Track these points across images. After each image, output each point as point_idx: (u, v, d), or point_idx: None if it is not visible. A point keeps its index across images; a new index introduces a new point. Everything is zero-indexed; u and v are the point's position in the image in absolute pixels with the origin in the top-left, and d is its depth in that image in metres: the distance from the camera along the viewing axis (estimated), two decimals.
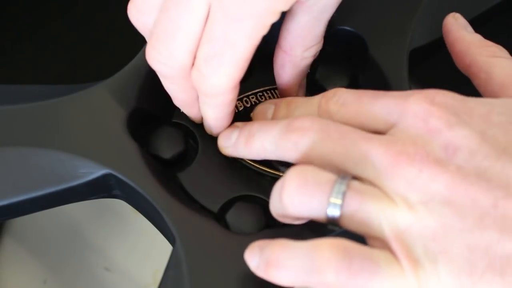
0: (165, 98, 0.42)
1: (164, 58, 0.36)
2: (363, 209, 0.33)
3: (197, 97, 0.39)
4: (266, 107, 0.41)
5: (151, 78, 0.41)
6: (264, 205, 0.40)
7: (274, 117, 0.40)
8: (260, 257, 0.34)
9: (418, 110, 0.33)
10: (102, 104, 0.41)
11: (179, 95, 0.39)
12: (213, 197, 0.40)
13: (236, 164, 0.41)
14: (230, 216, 0.39)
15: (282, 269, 0.33)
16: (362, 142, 0.33)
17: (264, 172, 0.41)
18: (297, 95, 0.42)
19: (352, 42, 0.44)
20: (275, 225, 0.40)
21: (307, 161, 0.35)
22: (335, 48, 0.44)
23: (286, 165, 0.38)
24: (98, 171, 0.39)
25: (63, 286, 0.66)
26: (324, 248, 0.32)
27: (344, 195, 0.33)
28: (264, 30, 0.35)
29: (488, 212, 0.31)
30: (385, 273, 0.32)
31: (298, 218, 0.35)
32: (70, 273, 0.66)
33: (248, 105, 0.43)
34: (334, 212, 0.33)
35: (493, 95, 0.37)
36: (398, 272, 0.32)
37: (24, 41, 0.63)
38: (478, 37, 0.40)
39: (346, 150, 0.34)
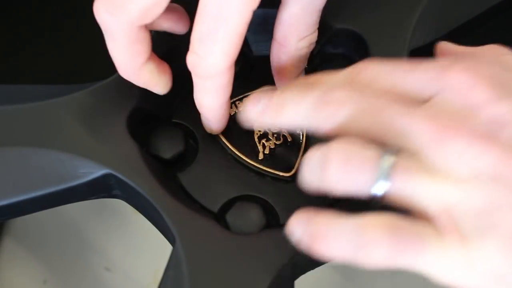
0: (165, 98, 0.42)
1: (112, 7, 0.36)
2: (408, 186, 0.32)
3: (142, 65, 0.39)
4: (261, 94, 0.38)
5: None
6: (264, 205, 0.40)
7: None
8: (306, 230, 0.33)
9: (461, 83, 0.32)
10: (102, 104, 0.41)
11: (121, 56, 0.38)
12: (213, 197, 0.40)
13: (236, 164, 0.41)
14: (230, 216, 0.40)
15: (328, 243, 0.32)
16: (403, 115, 0.32)
17: (264, 172, 0.41)
18: None
19: (352, 42, 0.44)
20: (275, 225, 0.40)
21: (344, 134, 0.34)
22: (335, 48, 0.44)
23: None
24: (98, 171, 0.40)
25: (63, 286, 0.66)
26: (373, 225, 0.32)
27: (390, 173, 0.32)
28: (255, 3, 0.35)
29: None
30: (433, 249, 0.31)
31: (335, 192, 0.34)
32: (70, 273, 0.66)
33: None
34: (379, 190, 0.32)
35: None
36: (446, 248, 0.31)
37: (24, 41, 0.63)
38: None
39: (385, 123, 0.33)
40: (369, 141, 0.33)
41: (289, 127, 0.38)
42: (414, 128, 0.32)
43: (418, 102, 0.33)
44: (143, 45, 0.38)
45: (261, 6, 0.43)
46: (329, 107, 0.34)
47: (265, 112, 0.37)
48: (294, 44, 0.40)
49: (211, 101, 0.39)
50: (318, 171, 0.33)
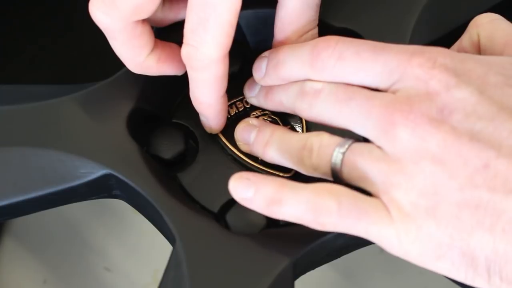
0: (165, 98, 0.42)
1: (104, 6, 0.37)
2: (358, 168, 0.35)
3: (146, 57, 0.39)
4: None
5: (151, 78, 0.41)
6: None
7: (267, 73, 0.40)
8: (258, 192, 0.36)
9: (420, 73, 0.34)
10: (102, 104, 0.41)
11: (123, 52, 0.39)
12: (213, 197, 0.40)
13: (236, 164, 0.41)
14: (230, 216, 0.39)
15: (284, 207, 0.36)
16: (365, 103, 0.35)
17: (264, 172, 0.41)
18: None
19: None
20: (275, 225, 0.40)
21: (319, 121, 0.37)
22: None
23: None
24: (98, 171, 0.39)
25: (63, 286, 0.66)
26: (323, 193, 0.35)
27: (343, 156, 0.35)
28: None
29: (479, 172, 0.32)
30: (373, 218, 0.34)
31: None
32: (70, 273, 0.66)
33: (248, 106, 0.43)
34: (336, 166, 0.36)
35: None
36: (387, 220, 0.34)
37: (24, 41, 0.63)
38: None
39: (351, 112, 0.36)
40: (339, 128, 0.37)
41: (278, 110, 0.40)
42: (372, 115, 0.35)
43: (381, 87, 0.36)
44: (143, 39, 0.38)
45: (260, 6, 0.43)
46: (307, 97, 0.37)
47: (258, 95, 0.41)
48: (295, 41, 0.40)
49: (207, 95, 0.39)
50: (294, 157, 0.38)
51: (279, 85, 0.39)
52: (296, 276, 0.39)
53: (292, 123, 0.43)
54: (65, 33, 0.63)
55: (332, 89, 0.37)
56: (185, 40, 0.37)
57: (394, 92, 0.35)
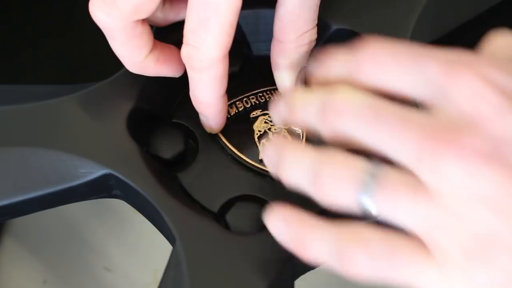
0: (165, 98, 0.42)
1: (104, 6, 0.37)
2: (391, 207, 0.30)
3: (145, 57, 0.39)
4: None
5: (151, 78, 0.41)
6: (264, 205, 0.40)
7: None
8: (288, 231, 0.33)
9: (467, 92, 0.29)
10: (102, 104, 0.41)
11: (122, 52, 0.39)
12: (213, 197, 0.40)
13: (236, 164, 0.41)
14: (230, 216, 0.39)
15: (309, 252, 0.32)
16: (398, 125, 0.30)
17: (264, 172, 0.41)
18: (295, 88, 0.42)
19: (352, 42, 0.44)
20: None
21: (342, 143, 0.32)
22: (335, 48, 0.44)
23: None
24: (98, 171, 0.39)
25: (63, 286, 0.66)
26: (347, 240, 0.31)
27: (374, 191, 0.30)
28: None
29: None
30: (408, 263, 0.30)
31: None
32: (70, 273, 0.66)
33: (248, 106, 0.43)
34: (366, 207, 0.31)
35: None
36: (426, 262, 0.30)
37: (24, 41, 0.63)
38: None
39: (380, 135, 0.30)
40: (365, 150, 0.31)
41: (304, 127, 0.35)
42: (407, 141, 0.30)
43: (416, 105, 0.31)
44: (142, 39, 0.39)
45: (260, 6, 0.43)
46: (329, 116, 0.32)
47: (282, 113, 0.36)
48: (293, 41, 0.40)
49: (207, 95, 0.39)
50: (309, 184, 0.32)
51: (301, 102, 0.34)
52: (296, 276, 0.39)
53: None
54: (65, 33, 0.63)
55: (356, 107, 0.31)
56: (185, 40, 0.37)
57: (433, 112, 0.30)
